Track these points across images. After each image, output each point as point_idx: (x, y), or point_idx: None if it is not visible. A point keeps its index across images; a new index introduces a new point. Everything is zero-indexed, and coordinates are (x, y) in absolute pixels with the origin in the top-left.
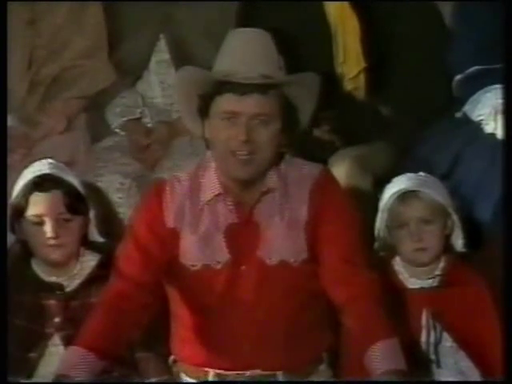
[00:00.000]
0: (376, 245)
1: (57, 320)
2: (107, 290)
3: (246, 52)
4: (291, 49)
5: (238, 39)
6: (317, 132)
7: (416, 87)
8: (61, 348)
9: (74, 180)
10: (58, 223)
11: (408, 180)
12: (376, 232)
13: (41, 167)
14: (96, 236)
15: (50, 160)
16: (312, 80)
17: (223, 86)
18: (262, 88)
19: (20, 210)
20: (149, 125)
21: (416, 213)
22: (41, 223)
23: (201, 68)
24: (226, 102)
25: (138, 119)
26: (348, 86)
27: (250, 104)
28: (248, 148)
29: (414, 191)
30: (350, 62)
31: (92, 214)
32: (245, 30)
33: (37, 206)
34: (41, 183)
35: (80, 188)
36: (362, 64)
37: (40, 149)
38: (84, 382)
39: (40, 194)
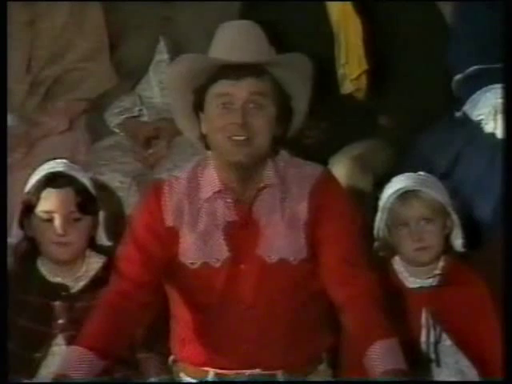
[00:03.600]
0: (376, 244)
1: (61, 321)
2: (107, 290)
3: (236, 41)
4: (293, 49)
5: (228, 31)
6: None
7: (416, 87)
8: (64, 348)
9: (86, 181)
10: (68, 221)
11: (408, 179)
12: (376, 232)
13: (55, 165)
14: (104, 240)
15: (63, 159)
16: (302, 62)
17: (217, 74)
18: (255, 72)
19: (31, 205)
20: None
21: (416, 212)
22: (50, 220)
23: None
24: (220, 87)
25: (137, 117)
26: (350, 87)
27: (244, 87)
28: (245, 132)
29: (413, 190)
30: (352, 64)
31: (101, 216)
32: (234, 22)
33: (48, 201)
34: (54, 180)
35: (92, 189)
36: (364, 66)
37: (40, 148)
38: (84, 382)
39: (52, 190)
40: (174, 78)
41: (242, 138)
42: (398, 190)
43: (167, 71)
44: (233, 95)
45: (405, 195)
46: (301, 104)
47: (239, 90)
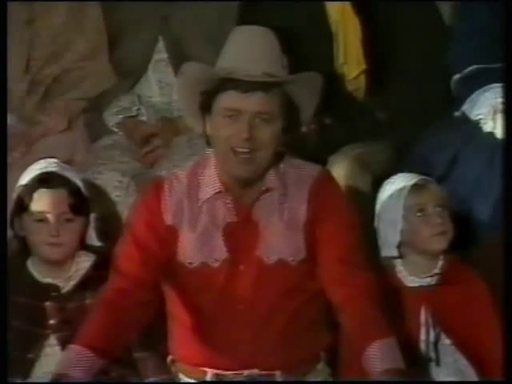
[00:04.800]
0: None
1: (52, 321)
2: (106, 288)
3: (250, 49)
4: (292, 49)
5: (243, 36)
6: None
7: (415, 87)
8: (57, 349)
9: (78, 181)
10: (60, 222)
11: (412, 175)
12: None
13: (47, 165)
14: (94, 240)
15: (54, 159)
16: (315, 80)
17: (226, 83)
18: (265, 86)
19: (23, 205)
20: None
21: (433, 198)
22: (43, 220)
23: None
24: (228, 99)
25: (135, 116)
26: (348, 86)
27: (253, 102)
28: (249, 146)
29: (426, 180)
30: (351, 63)
31: (92, 216)
32: (249, 27)
33: (41, 202)
34: (47, 180)
35: (84, 189)
36: (363, 65)
37: (39, 147)
38: (83, 382)
39: (45, 190)
40: (182, 83)
41: (246, 150)
42: (410, 180)
43: (177, 79)
44: (240, 109)
45: (419, 184)
46: (308, 115)
47: (247, 104)
